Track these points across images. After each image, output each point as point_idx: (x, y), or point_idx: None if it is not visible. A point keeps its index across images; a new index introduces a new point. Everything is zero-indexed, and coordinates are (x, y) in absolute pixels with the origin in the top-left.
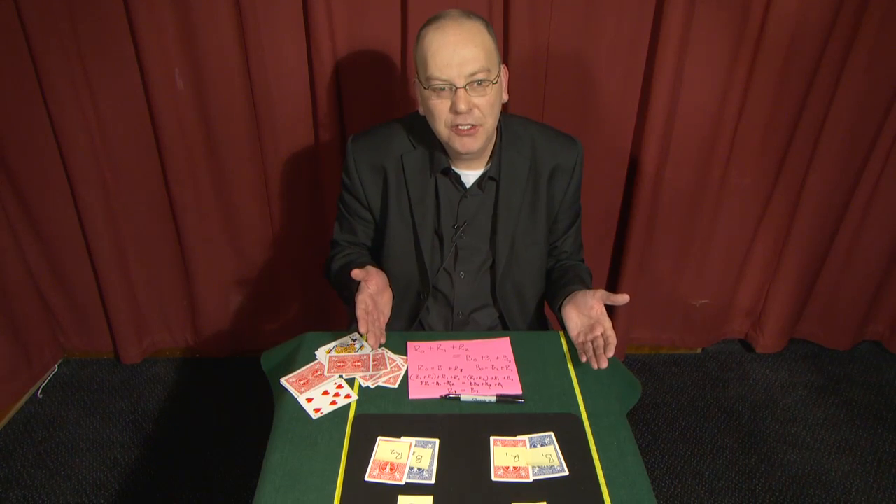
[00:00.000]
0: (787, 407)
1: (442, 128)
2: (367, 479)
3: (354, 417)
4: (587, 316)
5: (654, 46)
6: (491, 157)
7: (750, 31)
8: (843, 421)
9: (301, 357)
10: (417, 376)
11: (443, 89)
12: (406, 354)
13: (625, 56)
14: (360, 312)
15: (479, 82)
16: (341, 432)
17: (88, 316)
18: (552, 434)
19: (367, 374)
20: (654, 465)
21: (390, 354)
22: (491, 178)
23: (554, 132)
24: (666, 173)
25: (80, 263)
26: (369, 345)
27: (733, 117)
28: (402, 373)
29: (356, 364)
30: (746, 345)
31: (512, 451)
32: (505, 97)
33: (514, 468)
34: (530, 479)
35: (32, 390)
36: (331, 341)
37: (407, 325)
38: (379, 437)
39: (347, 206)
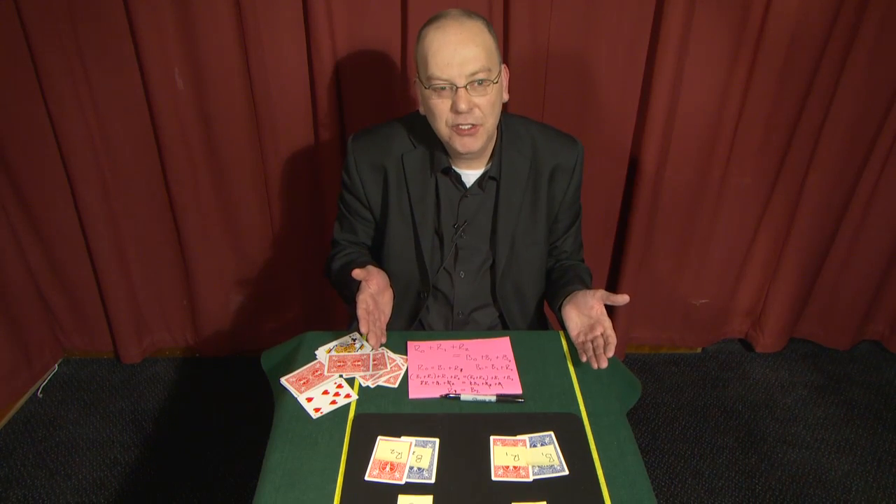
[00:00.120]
0: (787, 406)
1: (442, 127)
2: (367, 478)
3: (354, 417)
4: (587, 316)
5: (654, 46)
6: (491, 156)
7: (750, 30)
8: (843, 420)
9: (301, 357)
10: (417, 376)
11: (443, 89)
12: (406, 354)
13: (625, 56)
14: (360, 312)
15: (480, 82)
16: (341, 432)
17: (88, 315)
18: (552, 433)
19: (367, 373)
20: (654, 464)
21: (390, 354)
22: (491, 178)
23: (554, 132)
24: (666, 173)
25: (80, 263)
26: (370, 344)
27: (733, 117)
28: (402, 372)
29: (356, 364)
30: (746, 344)
31: (512, 450)
32: (505, 97)
33: (514, 468)
34: (530, 479)
35: (32, 390)
36: (331, 341)
37: (407, 325)
38: (379, 437)
39: (348, 206)
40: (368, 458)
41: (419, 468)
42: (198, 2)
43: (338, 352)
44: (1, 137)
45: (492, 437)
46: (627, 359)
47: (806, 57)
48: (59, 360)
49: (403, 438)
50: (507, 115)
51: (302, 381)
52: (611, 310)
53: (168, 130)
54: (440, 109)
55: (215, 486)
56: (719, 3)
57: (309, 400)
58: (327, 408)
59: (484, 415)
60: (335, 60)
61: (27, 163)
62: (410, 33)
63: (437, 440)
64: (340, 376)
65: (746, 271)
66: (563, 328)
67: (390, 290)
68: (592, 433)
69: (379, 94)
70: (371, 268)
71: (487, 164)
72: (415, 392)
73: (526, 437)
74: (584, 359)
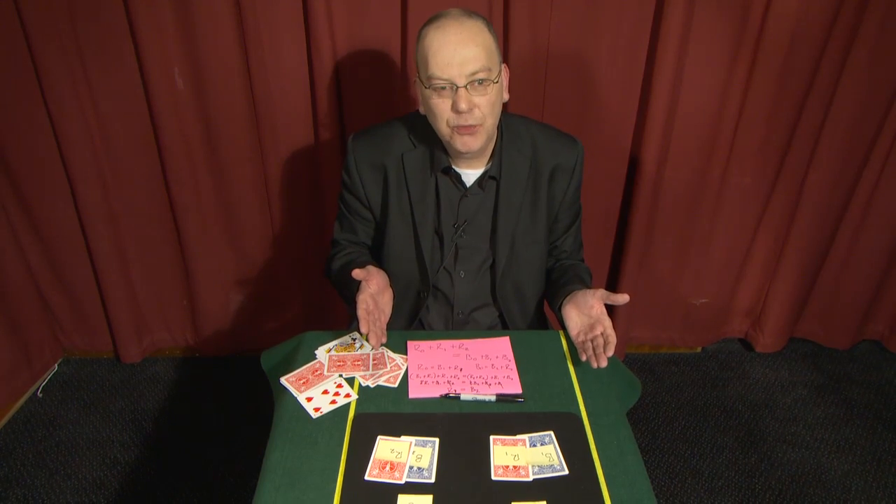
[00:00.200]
0: (787, 406)
1: (443, 127)
2: (366, 478)
3: (354, 416)
4: (587, 315)
5: (654, 46)
6: (491, 156)
7: (750, 30)
8: (843, 420)
9: (301, 356)
10: (417, 375)
11: (444, 88)
12: (406, 354)
13: (625, 56)
14: (360, 312)
15: (480, 81)
16: (341, 431)
17: (88, 315)
18: (552, 433)
19: (367, 373)
20: (653, 464)
21: (390, 354)
22: (491, 178)
23: (555, 132)
24: (666, 173)
25: (80, 263)
26: (371, 344)
27: (733, 117)
28: (402, 372)
29: (356, 363)
30: (746, 344)
31: (512, 450)
32: (506, 96)
33: (514, 467)
34: (530, 479)
35: (32, 389)
36: (331, 340)
37: (407, 325)
38: (379, 437)
39: (348, 205)
40: (368, 458)
41: (419, 468)
42: (198, 1)
43: (337, 351)
44: (1, 137)
45: (491, 437)
46: (627, 358)
47: (806, 57)
48: (59, 360)
49: (403, 438)
50: (508, 115)
51: (302, 381)
52: (610, 309)
53: (168, 130)
54: (440, 109)
55: (215, 486)
56: (719, 3)
57: (309, 399)
58: (327, 407)
59: (484, 414)
60: (335, 60)
61: (27, 163)
62: (410, 33)
63: (436, 440)
64: (340, 376)
65: (746, 271)
66: (563, 328)
67: (390, 289)
68: (592, 433)
69: (379, 93)
70: (371, 268)
71: (487, 163)
72: (415, 392)
73: (526, 436)
74: (583, 358)
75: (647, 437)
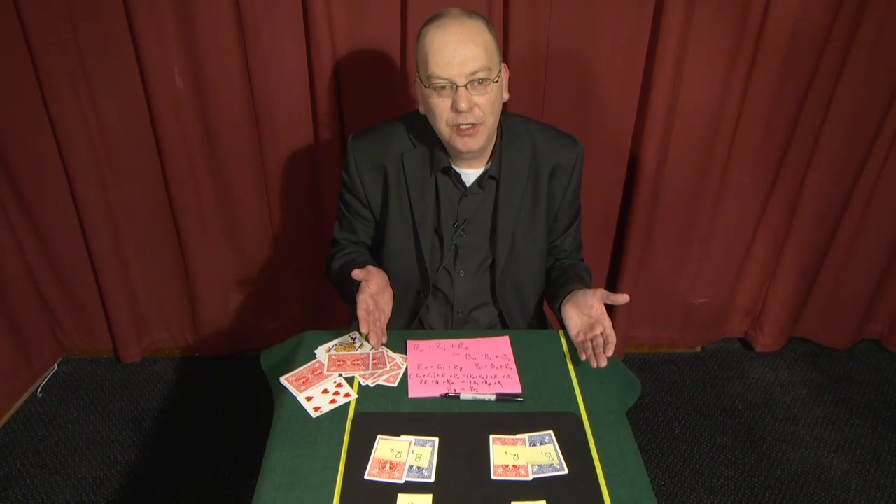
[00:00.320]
0: (787, 405)
1: (443, 126)
2: (366, 477)
3: (354, 416)
4: (587, 315)
5: (654, 45)
6: (491, 155)
7: (749, 30)
8: (843, 419)
9: (301, 356)
10: (417, 375)
11: (444, 88)
12: (406, 353)
13: (625, 55)
14: (361, 312)
15: (480, 81)
16: (341, 431)
17: (88, 315)
18: (552, 433)
19: (367, 372)
20: (653, 463)
21: (390, 353)
22: (491, 177)
23: (555, 131)
24: (665, 172)
25: (80, 263)
26: (371, 344)
27: (733, 116)
28: (402, 371)
29: (356, 363)
30: (746, 343)
31: (511, 449)
32: (505, 96)
33: (514, 467)
34: (530, 478)
35: (32, 389)
36: (330, 340)
37: (407, 324)
38: (378, 436)
39: (347, 205)
40: (368, 457)
41: (419, 467)
42: (198, 1)
43: (337, 351)
44: (1, 137)
45: (491, 437)
46: (627, 358)
47: (805, 57)
48: (59, 360)
49: (403, 437)
50: (507, 115)
51: (301, 381)
52: (610, 309)
53: (168, 130)
54: (440, 108)
55: (215, 486)
56: (719, 3)
57: (308, 399)
58: (327, 407)
59: (483, 414)
60: (335, 60)
61: (27, 163)
62: (410, 33)
63: (436, 439)
64: (340, 375)
65: (746, 270)
66: (563, 327)
67: (390, 289)
68: (592, 432)
69: (379, 93)
70: (371, 268)
71: (487, 163)
72: (414, 391)
73: (525, 436)
74: (583, 357)
75: (647, 437)
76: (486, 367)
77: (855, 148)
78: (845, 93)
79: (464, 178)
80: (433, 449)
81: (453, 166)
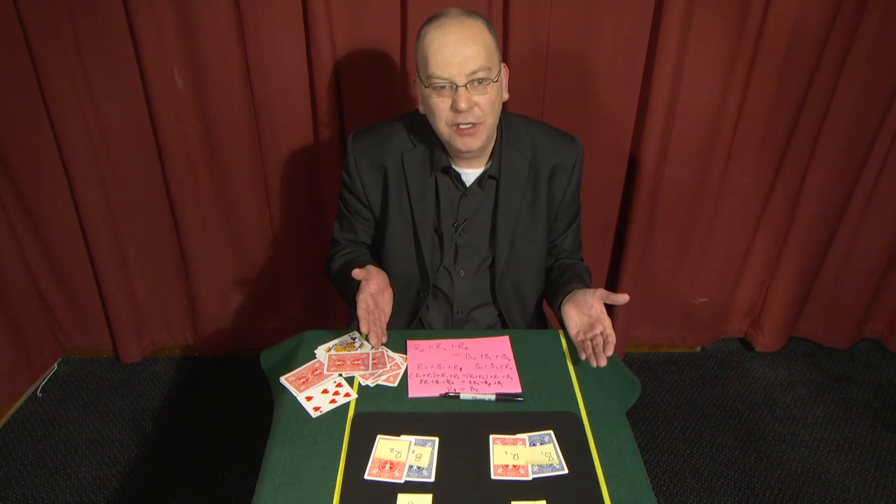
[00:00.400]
0: (787, 405)
1: (443, 126)
2: (366, 477)
3: (354, 416)
4: (587, 315)
5: (654, 45)
6: (491, 155)
7: (749, 30)
8: (842, 419)
9: (301, 356)
10: (417, 375)
11: (443, 87)
12: (405, 353)
13: (625, 55)
14: (361, 312)
15: (480, 81)
16: (341, 431)
17: (88, 315)
18: (552, 432)
19: (367, 372)
20: (653, 463)
21: (390, 353)
22: (491, 177)
23: (554, 131)
24: (665, 172)
25: (80, 262)
26: (371, 344)
27: (733, 116)
28: (402, 371)
29: (356, 362)
30: (746, 343)
31: (511, 449)
32: (505, 96)
33: (514, 466)
34: (530, 478)
35: (32, 389)
36: (330, 340)
37: (407, 324)
38: (378, 436)
39: (347, 205)
40: (368, 457)
41: (419, 467)
42: (198, 1)
43: (337, 351)
44: (1, 137)
45: (491, 436)
46: (627, 358)
47: (805, 56)
48: (59, 360)
49: (403, 437)
50: (507, 114)
51: (301, 380)
52: (610, 309)
53: (168, 130)
54: (440, 108)
55: (215, 486)
56: (719, 3)
57: (308, 399)
58: (327, 407)
59: (483, 414)
60: (335, 60)
61: (27, 162)
62: (410, 33)
63: (436, 439)
64: (340, 375)
65: (746, 270)
66: (563, 327)
67: (390, 289)
68: (592, 432)
69: (379, 93)
70: (371, 267)
71: (487, 163)
72: (414, 391)
73: (525, 435)
74: (583, 357)
75: (647, 437)
76: (486, 366)
77: (855, 148)
78: (845, 93)
79: (464, 177)
80: (433, 449)
81: (453, 166)
